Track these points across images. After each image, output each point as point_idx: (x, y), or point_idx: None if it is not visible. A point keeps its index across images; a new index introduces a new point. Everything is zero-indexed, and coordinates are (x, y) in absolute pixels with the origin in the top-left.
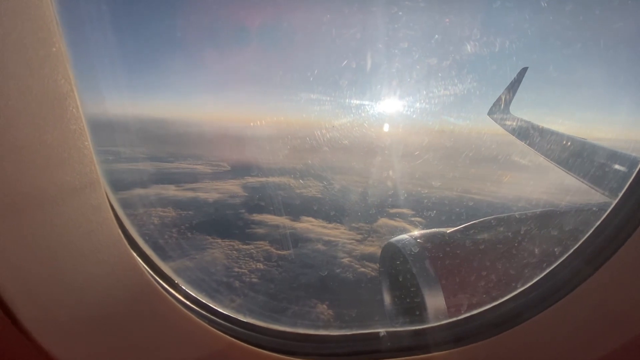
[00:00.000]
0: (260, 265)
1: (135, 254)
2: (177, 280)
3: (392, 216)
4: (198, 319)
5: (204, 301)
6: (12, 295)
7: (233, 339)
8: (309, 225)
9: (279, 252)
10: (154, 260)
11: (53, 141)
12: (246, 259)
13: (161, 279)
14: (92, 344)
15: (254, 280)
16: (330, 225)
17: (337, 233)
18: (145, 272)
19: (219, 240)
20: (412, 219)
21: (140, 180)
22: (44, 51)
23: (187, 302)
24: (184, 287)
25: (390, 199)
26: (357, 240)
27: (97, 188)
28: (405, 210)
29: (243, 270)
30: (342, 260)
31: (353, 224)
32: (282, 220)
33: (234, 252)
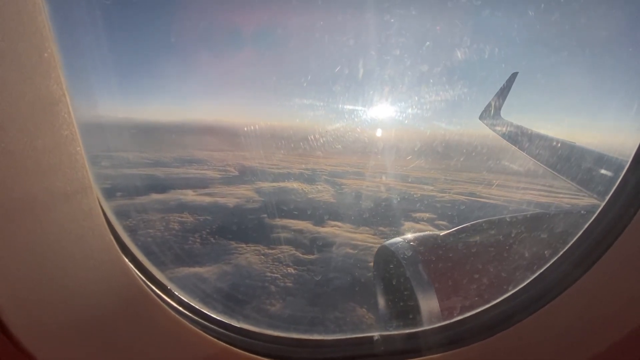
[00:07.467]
0: (291, 270)
1: (127, 260)
2: (170, 286)
3: (416, 220)
4: (191, 325)
5: (197, 307)
6: (0, 301)
7: (226, 345)
8: (334, 229)
9: (307, 256)
10: (146, 267)
11: (44, 146)
12: (275, 263)
13: (154, 285)
14: (81, 351)
15: (289, 284)
16: (356, 230)
17: (363, 237)
18: (138, 278)
19: (244, 245)
20: (437, 222)
21: (154, 186)
22: (36, 57)
23: (180, 308)
24: (177, 293)
25: (408, 203)
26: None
27: (89, 194)
28: (426, 214)
29: (275, 275)
30: (370, 264)
31: (380, 228)
32: (305, 225)
33: (262, 256)
